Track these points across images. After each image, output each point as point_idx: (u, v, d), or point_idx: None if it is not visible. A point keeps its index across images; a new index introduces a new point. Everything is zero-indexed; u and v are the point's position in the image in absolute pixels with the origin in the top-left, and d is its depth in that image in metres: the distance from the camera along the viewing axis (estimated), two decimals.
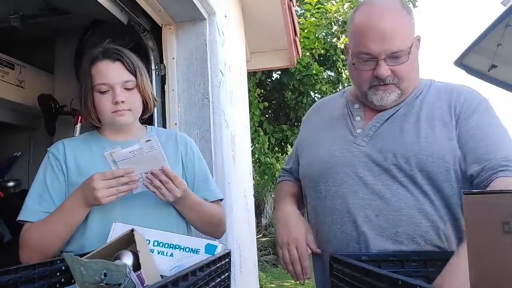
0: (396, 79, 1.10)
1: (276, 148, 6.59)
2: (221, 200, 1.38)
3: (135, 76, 1.24)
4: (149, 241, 1.02)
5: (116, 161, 1.10)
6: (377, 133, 1.13)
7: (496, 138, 1.04)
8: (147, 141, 1.11)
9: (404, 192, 1.06)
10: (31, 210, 1.17)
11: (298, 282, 1.15)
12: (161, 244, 1.03)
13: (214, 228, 1.35)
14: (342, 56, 6.44)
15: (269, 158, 5.65)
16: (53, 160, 1.23)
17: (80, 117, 2.53)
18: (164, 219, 1.23)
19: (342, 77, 6.68)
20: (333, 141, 1.19)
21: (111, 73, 1.22)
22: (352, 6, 6.64)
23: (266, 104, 5.94)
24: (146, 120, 1.40)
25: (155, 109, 2.09)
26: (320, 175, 1.18)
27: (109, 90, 1.21)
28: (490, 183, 0.98)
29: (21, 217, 1.17)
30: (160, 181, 1.13)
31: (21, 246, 1.16)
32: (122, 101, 1.21)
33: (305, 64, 5.95)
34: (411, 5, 7.74)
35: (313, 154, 1.24)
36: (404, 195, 1.06)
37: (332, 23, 6.48)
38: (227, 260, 1.02)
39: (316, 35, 6.05)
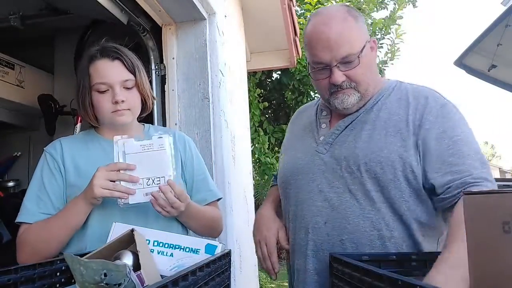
0: (353, 83, 1.12)
1: (276, 148, 6.58)
2: (219, 199, 1.38)
3: (134, 74, 1.23)
4: (149, 241, 1.02)
5: (126, 152, 1.09)
6: (336, 141, 1.15)
7: (461, 147, 1.03)
8: (159, 137, 1.11)
9: (352, 200, 1.08)
10: (30, 212, 1.16)
11: (271, 277, 1.24)
12: (161, 244, 1.02)
13: (213, 230, 1.36)
14: None
15: (269, 158, 5.64)
16: (50, 160, 1.22)
17: (80, 117, 2.53)
18: (165, 230, 1.21)
19: None
20: (298, 149, 1.24)
21: (110, 72, 1.20)
22: (351, 6, 6.63)
23: (266, 104, 5.93)
24: (147, 120, 1.40)
25: (155, 109, 2.09)
26: (287, 181, 1.23)
27: (108, 90, 1.20)
28: (457, 200, 0.98)
29: (20, 219, 1.16)
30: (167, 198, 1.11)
31: (20, 248, 1.15)
32: (122, 101, 1.19)
33: (305, 64, 5.94)
34: (411, 5, 7.73)
35: (284, 161, 1.29)
36: (351, 203, 1.08)
37: None
38: (227, 260, 1.02)
39: None
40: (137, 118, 1.33)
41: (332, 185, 1.11)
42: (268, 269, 1.23)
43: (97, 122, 1.26)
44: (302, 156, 1.21)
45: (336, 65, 1.09)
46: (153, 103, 1.34)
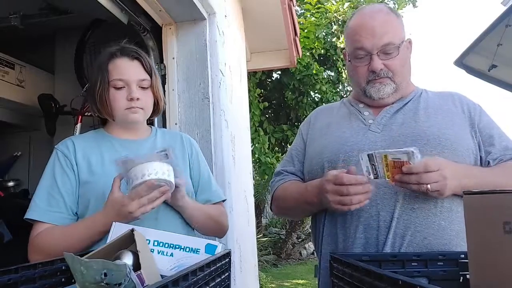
0: (390, 73, 1.19)
1: (276, 148, 6.60)
2: (223, 200, 1.40)
3: (151, 76, 1.27)
4: (149, 241, 1.02)
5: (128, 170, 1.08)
6: (389, 122, 1.19)
7: (503, 133, 1.20)
8: (163, 153, 1.11)
9: None
10: (41, 209, 1.14)
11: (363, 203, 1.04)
12: (161, 244, 1.02)
13: (216, 228, 1.37)
14: (342, 56, 6.45)
15: (269, 158, 5.65)
16: (62, 158, 1.21)
17: (80, 117, 2.53)
18: (172, 223, 1.22)
19: (342, 77, 6.69)
20: (345, 130, 1.23)
21: (129, 70, 1.24)
22: (352, 5, 6.65)
23: (266, 104, 5.94)
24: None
25: None
26: (336, 159, 1.17)
27: (124, 87, 1.23)
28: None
29: (29, 215, 1.14)
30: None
31: (34, 249, 1.13)
32: (137, 99, 1.22)
33: (305, 64, 5.95)
34: (411, 5, 7.74)
35: (323, 144, 1.24)
36: None
37: (332, 23, 6.48)
38: (227, 260, 1.02)
39: (316, 35, 6.05)
40: (147, 120, 1.34)
41: None
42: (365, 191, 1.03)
43: (113, 117, 1.27)
44: (351, 135, 1.20)
45: (376, 53, 1.17)
46: (163, 107, 1.36)
